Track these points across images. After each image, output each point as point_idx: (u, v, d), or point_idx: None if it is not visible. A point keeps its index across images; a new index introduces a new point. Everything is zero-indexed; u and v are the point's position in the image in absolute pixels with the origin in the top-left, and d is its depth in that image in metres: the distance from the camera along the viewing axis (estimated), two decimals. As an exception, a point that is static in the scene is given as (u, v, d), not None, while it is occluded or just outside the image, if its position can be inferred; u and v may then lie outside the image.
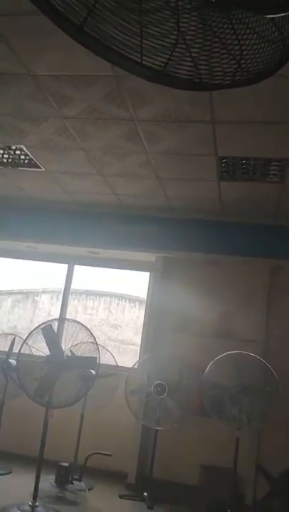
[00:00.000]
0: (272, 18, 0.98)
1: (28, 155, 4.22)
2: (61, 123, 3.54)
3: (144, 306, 6.15)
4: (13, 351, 4.99)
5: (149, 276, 5.94)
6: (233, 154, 3.71)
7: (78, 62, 2.72)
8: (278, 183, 4.14)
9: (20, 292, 8.29)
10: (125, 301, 8.03)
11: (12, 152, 4.23)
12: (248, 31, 0.97)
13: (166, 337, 5.47)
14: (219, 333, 5.32)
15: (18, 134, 3.82)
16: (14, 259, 6.57)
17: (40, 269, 6.71)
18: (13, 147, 4.11)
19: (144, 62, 0.89)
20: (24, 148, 4.10)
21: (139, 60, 0.89)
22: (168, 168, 4.12)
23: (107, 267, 6.20)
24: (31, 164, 4.43)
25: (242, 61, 0.97)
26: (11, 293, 8.24)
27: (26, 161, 4.39)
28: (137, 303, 7.53)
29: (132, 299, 7.74)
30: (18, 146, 4.07)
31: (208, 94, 2.92)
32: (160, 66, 0.91)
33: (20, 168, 4.55)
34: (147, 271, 5.96)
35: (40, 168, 4.48)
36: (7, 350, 5.19)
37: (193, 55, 0.94)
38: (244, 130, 3.33)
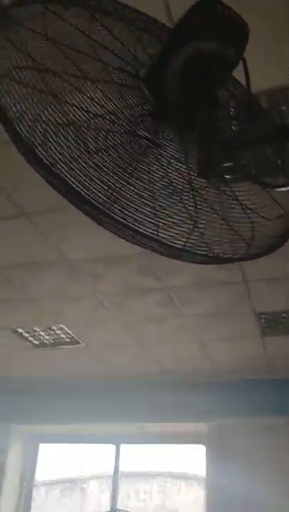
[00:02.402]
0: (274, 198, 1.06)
1: (68, 333, 4.29)
2: (97, 299, 3.66)
3: (202, 484, 5.48)
4: None
5: (205, 450, 5.39)
6: (272, 309, 3.66)
7: (110, 244, 2.92)
8: None
9: (67, 480, 7.65)
10: (181, 480, 7.23)
11: (53, 332, 4.32)
12: (255, 215, 1.04)
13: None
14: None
15: (58, 315, 3.95)
16: (56, 444, 6.20)
17: (86, 453, 6.26)
18: (54, 327, 4.21)
19: (166, 242, 0.93)
20: (65, 327, 4.18)
21: (163, 241, 0.93)
22: (206, 329, 4.07)
23: (157, 443, 5.72)
24: (72, 342, 4.47)
25: (252, 242, 1.02)
26: (57, 482, 7.61)
27: (68, 340, 4.44)
28: (194, 481, 6.77)
29: (187, 478, 6.99)
30: (59, 326, 4.17)
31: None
32: (179, 245, 0.94)
33: (60, 347, 4.59)
34: (201, 443, 5.44)
35: (79, 343, 4.50)
36: None
37: (207, 241, 0.99)
38: (277, 285, 3.34)
